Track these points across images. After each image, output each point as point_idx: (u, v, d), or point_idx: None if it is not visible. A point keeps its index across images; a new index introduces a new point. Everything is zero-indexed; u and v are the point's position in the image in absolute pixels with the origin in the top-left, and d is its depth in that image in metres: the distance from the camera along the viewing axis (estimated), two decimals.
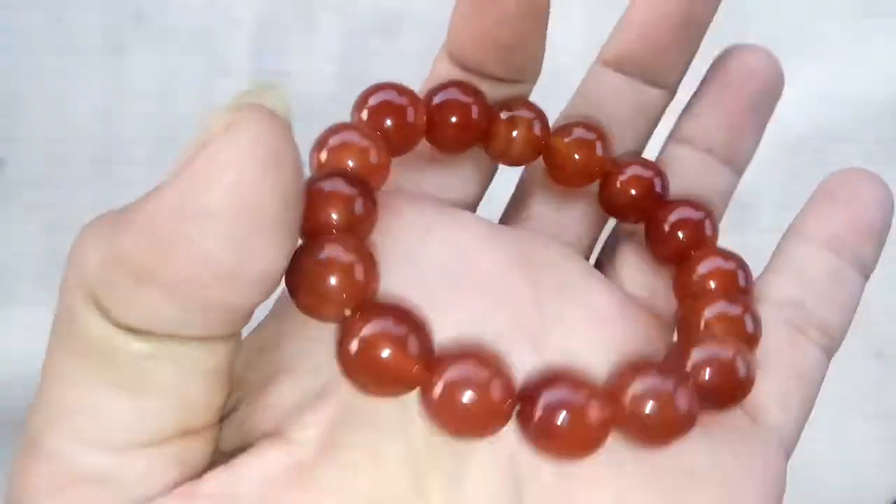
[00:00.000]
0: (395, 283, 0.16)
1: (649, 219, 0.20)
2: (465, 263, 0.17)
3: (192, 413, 0.14)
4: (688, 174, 0.21)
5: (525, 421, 0.15)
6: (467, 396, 0.15)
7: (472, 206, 0.21)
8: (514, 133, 0.20)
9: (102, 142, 0.36)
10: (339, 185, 0.15)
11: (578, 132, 0.20)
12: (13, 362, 0.34)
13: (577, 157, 0.20)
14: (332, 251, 0.14)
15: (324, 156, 0.17)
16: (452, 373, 0.15)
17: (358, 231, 0.15)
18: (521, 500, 0.15)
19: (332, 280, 0.14)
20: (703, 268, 0.19)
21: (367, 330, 0.14)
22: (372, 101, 0.18)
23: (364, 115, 0.18)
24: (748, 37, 0.21)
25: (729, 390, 0.17)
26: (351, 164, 0.17)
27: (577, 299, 0.17)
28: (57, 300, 0.13)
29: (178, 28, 0.37)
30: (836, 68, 0.36)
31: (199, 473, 0.14)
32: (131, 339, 0.13)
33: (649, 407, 0.16)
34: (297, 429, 0.15)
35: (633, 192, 0.20)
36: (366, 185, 0.16)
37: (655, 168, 0.20)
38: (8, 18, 0.37)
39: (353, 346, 0.14)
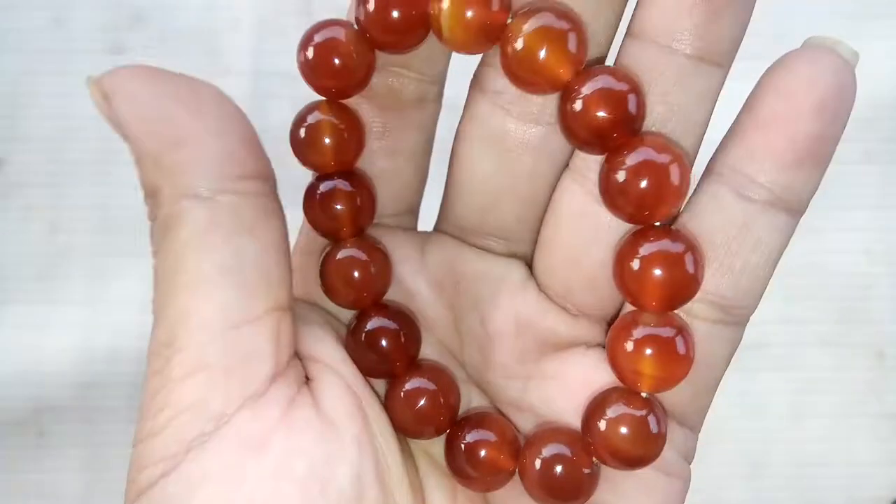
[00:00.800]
0: None
1: (611, 153, 0.16)
2: (409, 300, 0.19)
3: (275, 288, 0.16)
4: (660, 79, 0.16)
5: (449, 453, 0.18)
6: (418, 404, 0.18)
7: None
8: (469, 13, 0.15)
9: (102, 142, 0.36)
10: (343, 185, 0.18)
11: (544, 19, 0.15)
12: (13, 361, 0.34)
13: (543, 53, 0.15)
14: (353, 252, 0.18)
15: (302, 132, 0.17)
16: (411, 383, 0.18)
17: (362, 220, 0.18)
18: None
19: (356, 273, 0.18)
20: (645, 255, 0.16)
21: (371, 324, 0.18)
22: (317, 39, 0.17)
23: (309, 53, 0.16)
24: (747, 37, 0.21)
25: (641, 452, 0.16)
26: (327, 141, 0.17)
27: (485, 320, 0.19)
28: (151, 233, 0.16)
29: (178, 28, 0.37)
30: None
31: (290, 353, 0.17)
32: (214, 205, 0.15)
33: (551, 476, 0.17)
34: (341, 369, 0.18)
35: (599, 113, 0.15)
36: (364, 182, 0.18)
37: (632, 82, 0.15)
38: (8, 18, 0.37)
39: (362, 336, 0.18)
